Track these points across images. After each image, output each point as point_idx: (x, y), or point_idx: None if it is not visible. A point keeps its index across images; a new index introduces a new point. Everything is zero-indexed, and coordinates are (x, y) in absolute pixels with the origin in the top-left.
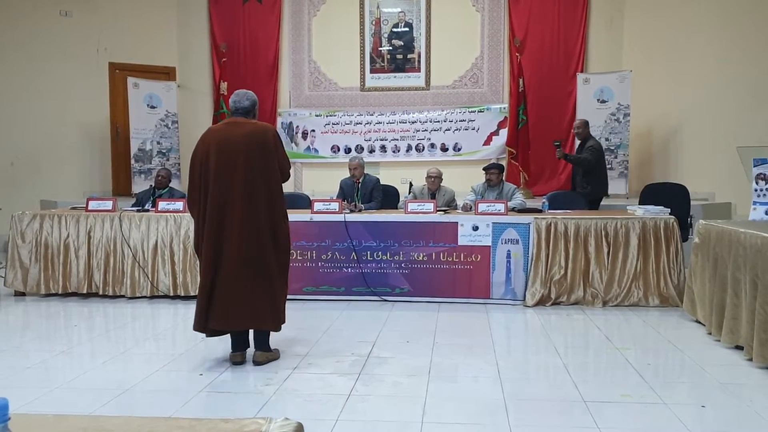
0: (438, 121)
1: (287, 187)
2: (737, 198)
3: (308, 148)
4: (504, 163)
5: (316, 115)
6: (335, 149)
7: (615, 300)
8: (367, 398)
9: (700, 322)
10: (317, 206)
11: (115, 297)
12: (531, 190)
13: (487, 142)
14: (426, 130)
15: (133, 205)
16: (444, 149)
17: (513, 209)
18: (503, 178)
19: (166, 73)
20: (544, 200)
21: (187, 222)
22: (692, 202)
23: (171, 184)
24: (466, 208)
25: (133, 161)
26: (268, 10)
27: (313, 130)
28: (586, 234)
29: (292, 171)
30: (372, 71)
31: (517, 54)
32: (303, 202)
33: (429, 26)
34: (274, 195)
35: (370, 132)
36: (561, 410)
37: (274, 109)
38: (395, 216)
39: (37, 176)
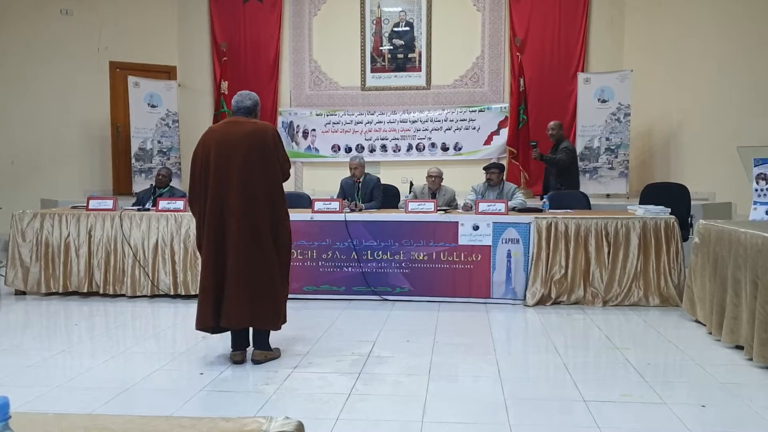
0: (438, 121)
1: (288, 187)
2: (738, 198)
3: (309, 147)
4: (504, 162)
5: (317, 115)
6: (336, 149)
7: (615, 300)
8: (367, 397)
9: (700, 322)
10: (318, 206)
11: (115, 296)
12: (531, 190)
13: (488, 141)
14: (426, 130)
15: (133, 204)
16: (444, 149)
17: (513, 209)
18: (504, 178)
19: (166, 72)
20: (544, 200)
21: (188, 221)
22: (692, 202)
23: (171, 184)
24: (467, 208)
25: (133, 160)
26: (269, 9)
27: (314, 130)
28: (586, 234)
29: (292, 170)
30: (373, 71)
31: (517, 53)
32: (303, 201)
33: (430, 26)
34: (274, 194)
35: (370, 131)
36: (561, 410)
37: (274, 109)
38: (396, 215)
39: (37, 175)
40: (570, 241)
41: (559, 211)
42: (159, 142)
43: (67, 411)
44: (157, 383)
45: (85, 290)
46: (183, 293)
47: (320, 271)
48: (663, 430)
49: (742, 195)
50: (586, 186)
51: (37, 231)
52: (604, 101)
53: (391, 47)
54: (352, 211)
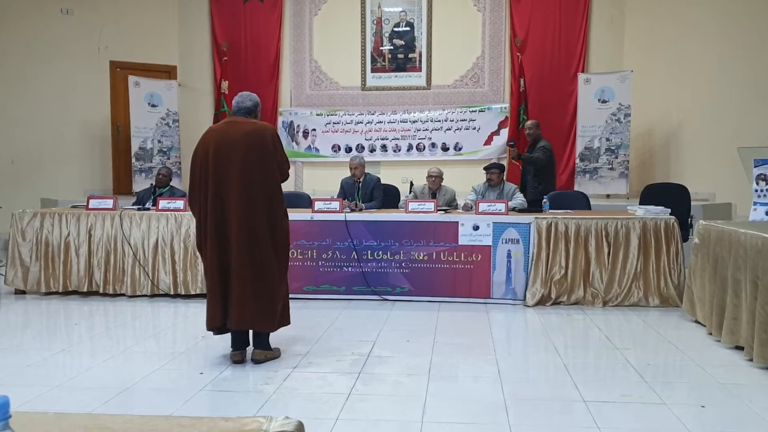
0: (439, 121)
1: (288, 186)
2: (737, 198)
3: (309, 147)
4: (505, 162)
5: (317, 115)
6: (336, 148)
7: (615, 300)
8: (367, 397)
9: (699, 323)
10: (318, 205)
11: (115, 295)
12: None
13: (488, 141)
14: (427, 130)
15: (133, 204)
16: (445, 149)
17: (513, 209)
18: (504, 178)
19: (167, 72)
20: (544, 200)
21: (188, 221)
22: (692, 203)
23: (172, 183)
24: (467, 208)
25: (133, 160)
26: (270, 9)
27: (314, 130)
28: (586, 234)
29: (292, 170)
30: (373, 70)
31: (518, 54)
32: (304, 201)
33: (430, 26)
34: (273, 194)
35: (370, 131)
36: (561, 410)
37: (275, 108)
38: (396, 215)
39: (37, 174)
40: (570, 241)
41: (559, 211)
42: (159, 141)
43: (67, 410)
44: (157, 383)
45: (85, 290)
46: (183, 293)
47: (320, 270)
48: (663, 431)
49: (742, 195)
50: (586, 186)
51: (37, 230)
52: (604, 101)
53: (392, 47)
54: (353, 211)
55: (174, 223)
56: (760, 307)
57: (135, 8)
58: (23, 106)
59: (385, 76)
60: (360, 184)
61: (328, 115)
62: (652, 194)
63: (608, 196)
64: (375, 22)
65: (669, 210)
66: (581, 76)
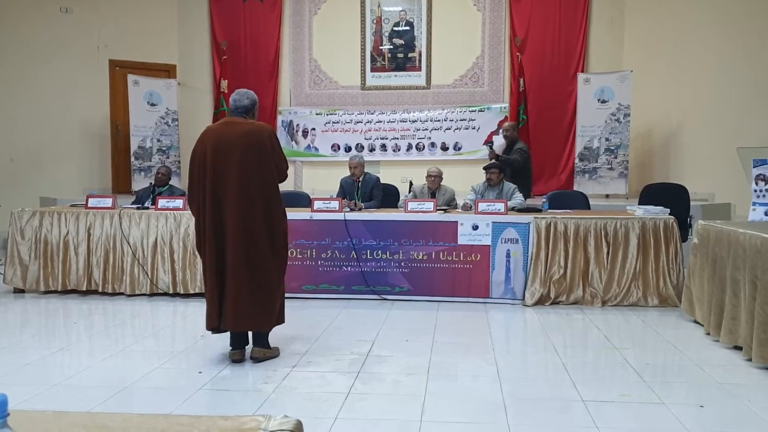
0: (438, 120)
1: (287, 186)
2: (737, 199)
3: (308, 146)
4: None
5: (317, 114)
6: (335, 148)
7: (614, 300)
8: (366, 397)
9: (698, 323)
10: (317, 205)
11: (114, 294)
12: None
13: (488, 141)
14: (426, 129)
15: (132, 203)
16: (444, 148)
17: (513, 209)
18: (503, 178)
19: (166, 71)
20: (544, 200)
21: (187, 220)
22: (692, 203)
23: (171, 182)
24: (466, 208)
25: (133, 159)
26: (269, 8)
27: (314, 129)
28: (585, 234)
29: (292, 169)
30: (373, 70)
31: (517, 53)
32: (303, 200)
33: (430, 25)
34: (271, 194)
35: (370, 131)
36: (560, 409)
37: (274, 108)
38: (395, 215)
39: (36, 173)
40: (569, 241)
41: (558, 211)
42: (158, 140)
43: (65, 409)
44: (156, 382)
45: (84, 288)
46: (182, 292)
47: (319, 270)
48: (661, 431)
49: (741, 196)
50: (586, 186)
51: (36, 229)
52: (604, 101)
53: (391, 47)
54: (352, 210)
55: (173, 222)
56: (759, 307)
57: (134, 7)
58: (22, 104)
59: (385, 76)
60: (359, 184)
61: (327, 115)
62: (651, 194)
63: (607, 196)
64: (375, 21)
65: (668, 210)
66: (581, 76)
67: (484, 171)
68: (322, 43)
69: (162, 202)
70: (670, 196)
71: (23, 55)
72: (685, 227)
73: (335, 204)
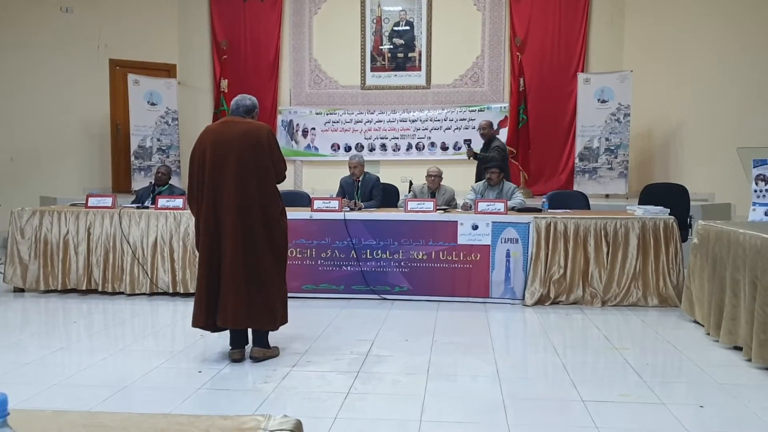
0: (438, 120)
1: (287, 185)
2: (737, 199)
3: (308, 146)
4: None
5: (317, 113)
6: (335, 147)
7: (614, 300)
8: (365, 396)
9: (698, 323)
10: (317, 204)
11: (114, 294)
12: (531, 190)
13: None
14: (426, 129)
15: (132, 202)
16: (444, 148)
17: (513, 208)
18: (503, 178)
19: (166, 70)
20: (543, 200)
21: (187, 219)
22: (692, 203)
23: (171, 181)
24: (466, 207)
25: (133, 158)
26: (269, 8)
27: (314, 128)
28: (585, 234)
29: (291, 169)
30: (373, 69)
31: (517, 53)
32: (303, 200)
33: (430, 25)
34: (269, 194)
35: (370, 130)
36: (559, 409)
37: (274, 107)
38: (395, 214)
39: (36, 172)
40: (569, 241)
41: (558, 211)
42: (158, 140)
43: (65, 408)
44: (156, 381)
45: (84, 288)
46: (182, 291)
47: (319, 269)
48: (661, 431)
49: (741, 196)
50: (585, 186)
51: (36, 228)
52: (603, 101)
53: (391, 46)
54: (352, 210)
55: (173, 222)
56: (759, 308)
57: (134, 6)
58: (23, 103)
59: (385, 75)
60: (359, 183)
61: (327, 114)
62: (651, 194)
63: (607, 195)
64: (375, 21)
65: (668, 210)
66: (581, 76)
67: (484, 171)
68: (322, 43)
69: (162, 202)
70: (670, 196)
71: (23, 54)
72: (685, 227)
73: (335, 204)
